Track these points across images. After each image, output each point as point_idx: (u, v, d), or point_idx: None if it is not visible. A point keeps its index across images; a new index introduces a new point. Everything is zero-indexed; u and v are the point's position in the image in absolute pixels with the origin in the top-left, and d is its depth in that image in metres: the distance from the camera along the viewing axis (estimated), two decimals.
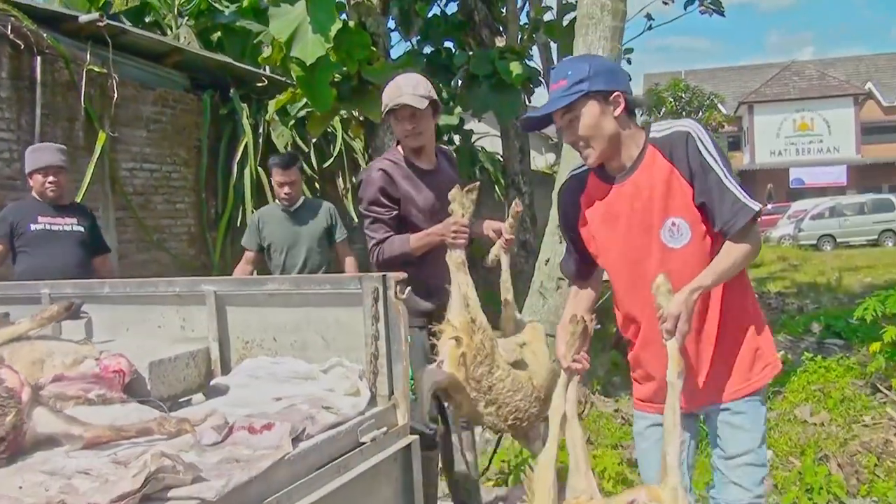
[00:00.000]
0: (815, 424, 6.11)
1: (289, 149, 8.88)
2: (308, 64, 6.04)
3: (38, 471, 2.12)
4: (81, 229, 5.18)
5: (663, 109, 24.32)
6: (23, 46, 6.54)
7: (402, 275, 2.73)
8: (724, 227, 2.65)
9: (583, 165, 2.89)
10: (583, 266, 3.07)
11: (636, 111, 2.87)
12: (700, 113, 26.22)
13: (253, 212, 8.54)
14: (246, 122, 8.65)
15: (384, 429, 2.60)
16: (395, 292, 2.71)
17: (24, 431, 2.29)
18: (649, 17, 14.99)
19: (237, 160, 8.61)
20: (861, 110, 47.05)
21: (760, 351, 2.87)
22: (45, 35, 6.78)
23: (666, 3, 14.62)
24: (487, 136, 15.05)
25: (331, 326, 2.89)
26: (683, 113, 25.96)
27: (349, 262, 6.03)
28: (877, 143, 46.47)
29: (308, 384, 2.78)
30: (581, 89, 2.68)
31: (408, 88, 3.77)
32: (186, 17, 13.51)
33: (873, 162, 45.32)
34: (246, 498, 1.97)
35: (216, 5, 13.44)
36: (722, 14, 14.38)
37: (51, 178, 5.06)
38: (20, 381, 2.37)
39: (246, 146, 8.61)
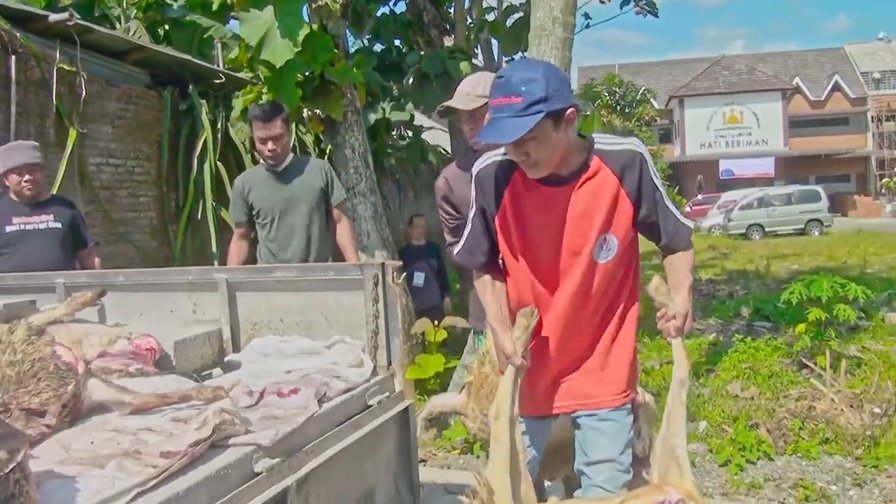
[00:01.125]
0: (746, 399, 6.56)
1: (246, 145, 9.16)
2: (277, 66, 6.36)
3: (103, 430, 2.51)
4: (59, 225, 5.12)
5: (598, 103, 24.99)
6: (0, 47, 6.75)
7: (398, 263, 3.15)
8: (668, 244, 2.80)
9: (505, 153, 2.74)
10: (490, 256, 2.92)
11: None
12: (633, 107, 26.92)
13: (213, 205, 8.86)
14: (205, 118, 8.91)
15: (386, 393, 3.04)
16: (392, 278, 3.14)
17: (81, 399, 2.67)
18: (587, 16, 15.50)
19: (197, 155, 8.86)
20: (789, 104, 48.48)
21: (634, 368, 2.94)
22: (17, 34, 6.97)
23: (602, 3, 15.11)
24: (431, 130, 15.41)
25: (333, 308, 3.30)
26: (618, 107, 26.63)
27: (343, 231, 5.29)
28: (804, 136, 47.97)
29: (314, 358, 3.20)
30: (539, 111, 2.49)
31: (465, 89, 3.73)
32: (135, 11, 13.65)
33: (800, 154, 46.81)
34: (289, 446, 2.40)
35: None
36: (656, 15, 14.92)
37: (27, 177, 5.01)
38: (74, 357, 2.75)
39: (205, 141, 8.85)
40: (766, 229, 30.84)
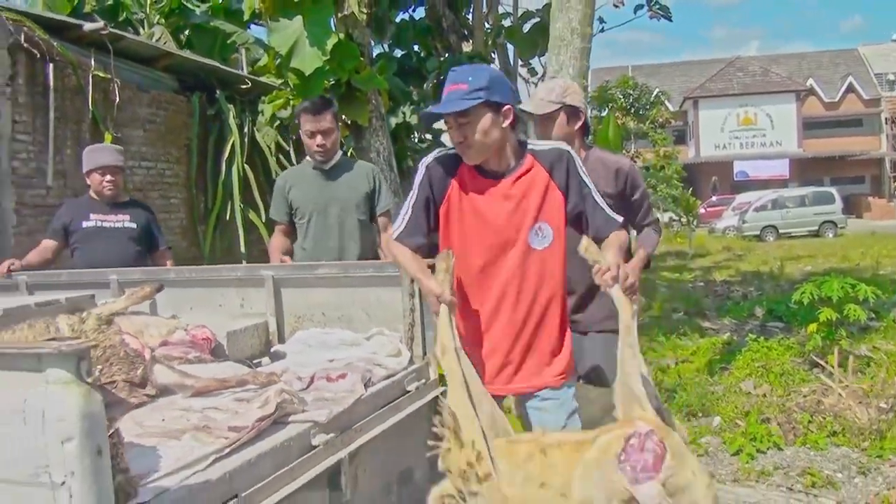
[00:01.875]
0: (758, 395, 6.76)
1: (272, 149, 9.46)
2: (307, 74, 6.63)
3: (171, 409, 2.78)
4: (133, 226, 5.23)
5: (612, 105, 25.19)
6: (38, 55, 7.06)
7: (432, 261, 3.41)
8: (596, 234, 3.01)
9: (452, 147, 3.05)
10: (425, 238, 3.11)
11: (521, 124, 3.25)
12: (647, 109, 27.06)
13: (241, 207, 9.16)
14: (232, 122, 9.22)
15: (423, 380, 3.32)
16: None
17: (148, 382, 2.95)
18: (601, 20, 15.71)
19: (225, 158, 9.17)
20: (803, 106, 48.44)
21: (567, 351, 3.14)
22: (55, 43, 7.28)
23: (616, 7, 15.33)
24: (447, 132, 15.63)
25: (372, 303, 3.58)
26: (632, 109, 26.80)
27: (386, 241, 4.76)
28: (818, 137, 47.90)
29: (355, 349, 3.47)
30: (479, 96, 2.85)
31: (540, 94, 3.98)
32: (158, 16, 13.98)
33: (814, 156, 46.78)
34: (341, 423, 2.68)
35: (187, 5, 13.91)
36: (669, 19, 15.13)
37: (108, 178, 5.14)
38: (141, 344, 3.02)
39: (233, 145, 9.18)
40: (781, 231, 30.87)
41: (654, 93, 31.96)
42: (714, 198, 41.59)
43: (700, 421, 6.20)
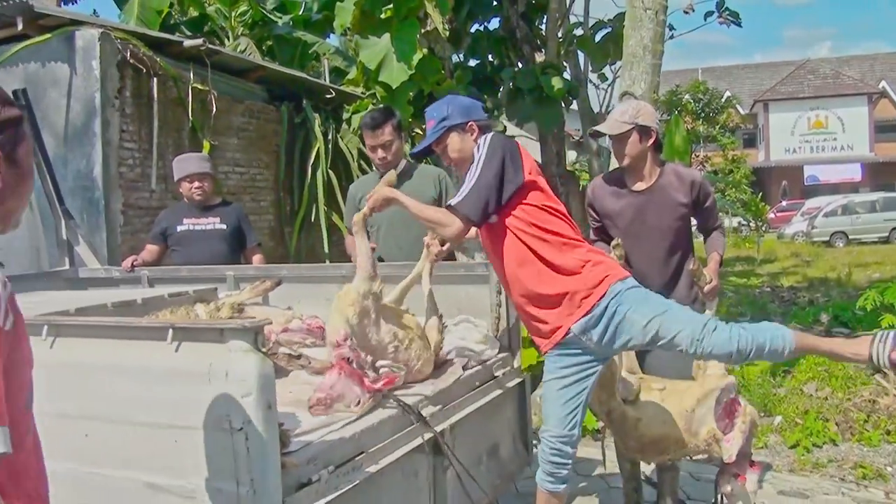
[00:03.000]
0: (820, 398, 7.04)
1: (354, 155, 9.98)
2: (394, 87, 7.13)
3: (297, 384, 3.27)
4: (224, 227, 5.57)
5: (680, 109, 25.29)
6: (143, 70, 7.68)
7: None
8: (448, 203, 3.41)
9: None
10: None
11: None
12: (717, 114, 27.12)
13: (325, 209, 9.71)
14: (317, 130, 9.77)
15: (508, 368, 3.78)
16: None
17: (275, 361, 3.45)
18: (671, 27, 15.87)
19: (310, 163, 9.74)
20: (875, 109, 47.66)
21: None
22: (158, 59, 7.89)
23: (686, 13, 15.51)
24: (521, 138, 16.02)
25: (462, 299, 4.04)
26: (703, 113, 26.89)
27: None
28: (890, 141, 47.01)
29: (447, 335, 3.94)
30: (444, 126, 3.47)
31: (615, 115, 4.25)
32: (241, 28, 14.67)
33: (887, 160, 45.96)
34: (443, 398, 3.16)
35: (270, 17, 14.56)
36: (739, 25, 15.27)
37: (196, 184, 5.54)
38: (267, 330, 3.53)
39: (318, 151, 9.73)
40: (850, 237, 30.33)
41: (724, 96, 31.98)
42: (784, 202, 41.20)
43: (762, 420, 6.51)
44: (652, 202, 4.12)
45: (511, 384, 3.79)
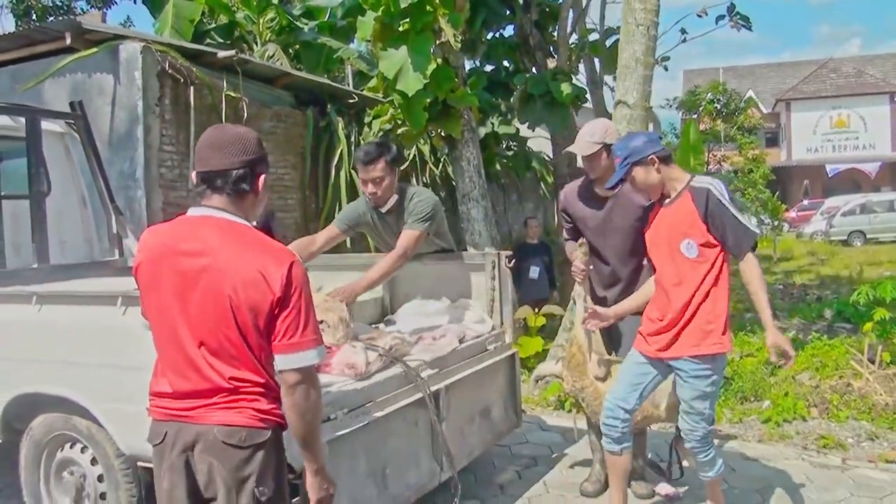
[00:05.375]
0: (809, 385, 7.40)
1: None
2: (410, 95, 7.76)
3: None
4: (253, 223, 6.42)
5: (700, 110, 25.76)
6: (181, 80, 8.35)
7: (509, 252, 4.51)
8: None
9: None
10: None
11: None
12: (735, 114, 27.46)
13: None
14: (341, 133, 10.42)
15: (499, 343, 4.44)
16: (504, 263, 4.52)
17: None
18: (683, 31, 16.27)
19: (334, 164, 10.39)
20: None
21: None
22: (194, 69, 8.56)
23: (700, 16, 15.94)
24: (536, 139, 16.54)
25: (463, 283, 4.72)
26: (723, 113, 27.26)
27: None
28: None
29: (447, 315, 4.61)
30: (628, 162, 4.13)
31: (584, 135, 4.71)
32: (269, 34, 15.31)
33: None
34: (442, 364, 3.81)
35: (296, 23, 15.19)
36: (749, 28, 15.71)
37: None
38: None
39: (341, 152, 10.38)
40: (868, 236, 30.61)
41: (745, 96, 32.33)
42: (805, 201, 41.40)
43: (752, 404, 7.07)
44: (617, 206, 4.68)
45: (502, 357, 4.45)
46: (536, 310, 8.52)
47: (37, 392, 3.85)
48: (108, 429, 3.54)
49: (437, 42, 8.28)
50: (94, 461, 3.79)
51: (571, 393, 4.78)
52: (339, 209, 10.27)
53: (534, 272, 10.11)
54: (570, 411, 6.83)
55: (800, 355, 8.33)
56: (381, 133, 9.80)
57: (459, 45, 8.41)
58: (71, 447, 3.96)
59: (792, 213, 37.61)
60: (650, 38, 7.09)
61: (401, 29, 7.98)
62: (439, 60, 8.19)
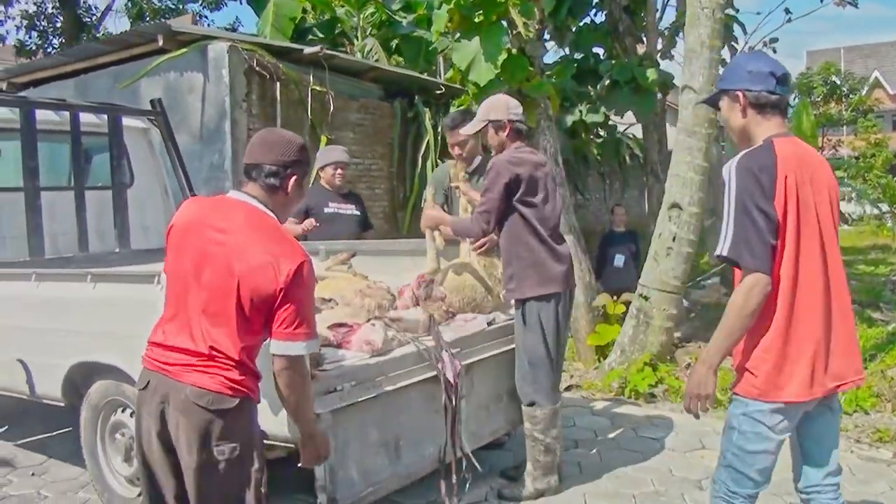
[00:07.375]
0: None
1: None
2: (482, 85, 7.93)
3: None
4: (358, 213, 6.71)
5: (813, 93, 24.97)
6: (267, 76, 8.75)
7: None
8: None
9: None
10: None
11: None
12: (849, 96, 26.43)
13: None
14: (428, 123, 10.67)
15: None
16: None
17: None
18: (787, 11, 15.91)
19: (421, 154, 10.66)
20: None
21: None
22: (280, 65, 8.94)
23: None
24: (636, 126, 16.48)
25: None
26: (836, 94, 26.33)
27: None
28: None
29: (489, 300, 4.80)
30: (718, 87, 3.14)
31: (477, 117, 4.99)
32: (370, 29, 15.66)
33: None
34: (470, 343, 4.04)
35: (395, 17, 15.49)
36: (855, 6, 15.28)
37: (339, 171, 6.59)
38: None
39: (428, 143, 10.64)
40: None
41: (872, 77, 31.09)
42: None
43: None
44: None
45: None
46: (615, 297, 8.55)
47: (93, 360, 4.30)
48: None
49: (513, 32, 8.42)
50: None
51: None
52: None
53: (618, 260, 10.10)
54: (629, 397, 6.94)
55: (894, 350, 8.01)
56: None
57: (532, 35, 8.50)
58: (122, 411, 4.40)
59: None
60: (716, 20, 7.02)
61: (477, 20, 8.13)
62: (514, 50, 8.32)
